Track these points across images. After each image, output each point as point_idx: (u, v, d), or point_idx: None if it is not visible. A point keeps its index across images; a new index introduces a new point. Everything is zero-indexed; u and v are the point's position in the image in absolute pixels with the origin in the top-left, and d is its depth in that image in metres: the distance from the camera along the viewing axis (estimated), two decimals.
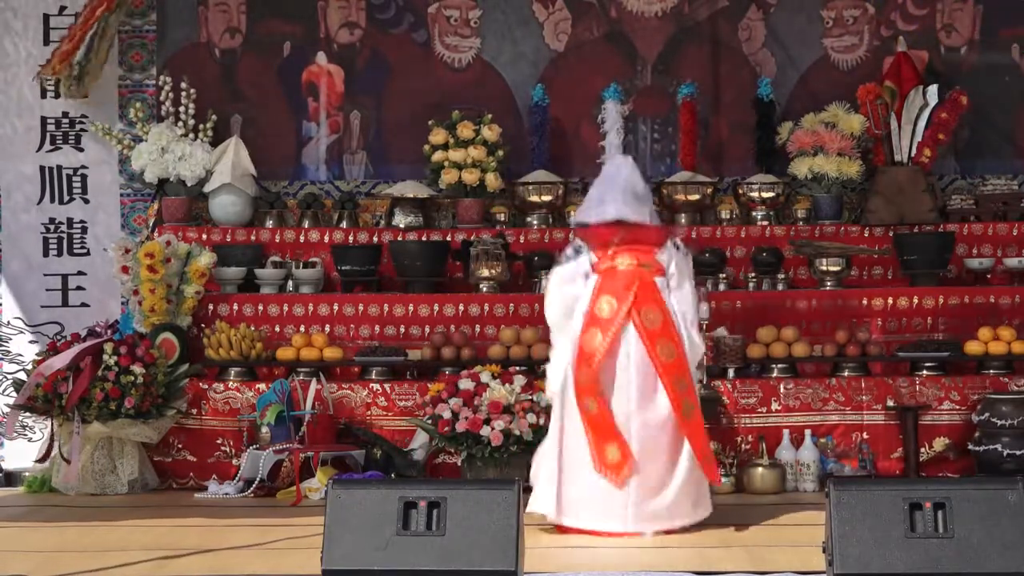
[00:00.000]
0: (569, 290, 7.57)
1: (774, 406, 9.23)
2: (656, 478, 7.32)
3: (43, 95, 10.48)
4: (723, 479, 8.90)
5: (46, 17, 10.51)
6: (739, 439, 9.15)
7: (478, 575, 5.42)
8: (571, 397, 7.44)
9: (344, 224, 10.33)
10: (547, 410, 8.72)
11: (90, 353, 9.03)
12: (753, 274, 9.92)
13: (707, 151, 10.51)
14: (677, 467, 7.38)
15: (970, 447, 8.98)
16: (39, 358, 9.24)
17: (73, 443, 8.91)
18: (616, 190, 7.61)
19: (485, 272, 9.83)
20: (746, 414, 9.19)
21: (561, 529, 7.38)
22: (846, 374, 9.39)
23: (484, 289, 9.84)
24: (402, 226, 10.17)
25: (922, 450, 9.11)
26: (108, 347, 9.04)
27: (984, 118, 10.43)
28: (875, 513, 5.40)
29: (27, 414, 9.47)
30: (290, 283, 10.03)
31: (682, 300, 7.55)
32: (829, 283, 9.80)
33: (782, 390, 9.25)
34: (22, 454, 9.88)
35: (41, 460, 9.24)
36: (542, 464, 7.54)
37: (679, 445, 7.38)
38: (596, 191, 7.75)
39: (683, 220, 10.16)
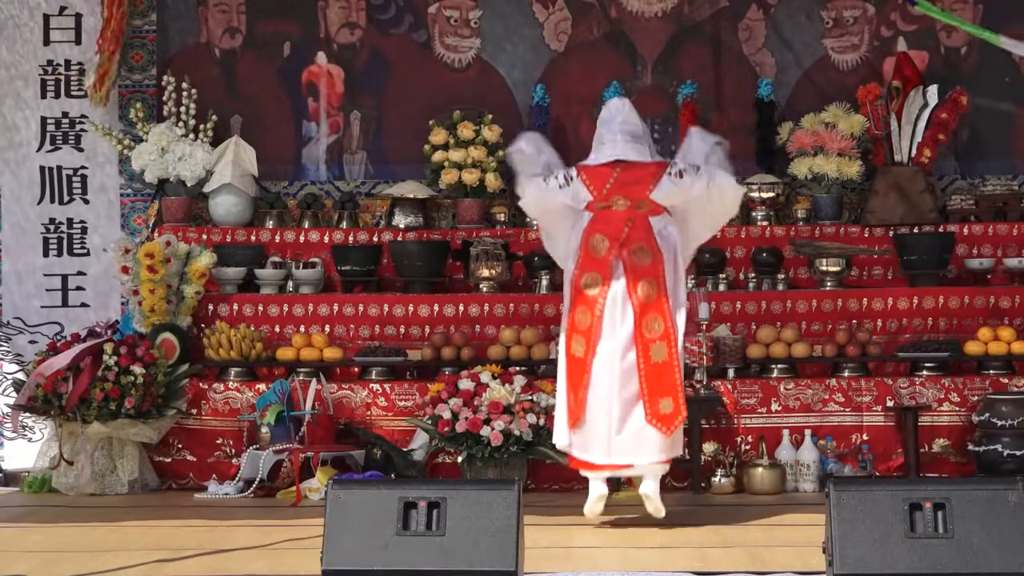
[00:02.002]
0: (548, 207, 7.72)
1: (774, 406, 9.23)
2: (638, 413, 7.40)
3: (43, 95, 10.49)
4: (723, 479, 8.93)
5: (46, 17, 10.51)
6: (739, 439, 9.15)
7: (478, 575, 5.42)
8: (564, 333, 7.61)
9: (344, 224, 10.33)
10: (547, 411, 8.74)
11: (90, 353, 9.03)
12: (753, 274, 9.92)
13: None
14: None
15: (970, 447, 8.98)
16: (39, 358, 9.23)
17: (81, 444, 8.91)
18: (614, 131, 7.69)
19: (485, 272, 9.83)
20: (746, 414, 9.19)
21: (573, 461, 7.60)
22: (846, 374, 9.39)
23: (484, 289, 9.84)
24: (402, 226, 10.17)
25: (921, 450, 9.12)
26: (108, 347, 9.04)
27: (984, 118, 10.43)
28: (875, 513, 5.40)
29: (27, 414, 9.47)
30: (290, 283, 10.03)
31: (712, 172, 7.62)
32: (829, 283, 9.80)
33: (782, 390, 9.25)
34: (22, 454, 9.88)
35: (56, 466, 9.18)
36: (559, 398, 7.70)
37: None
38: (596, 134, 7.85)
39: None
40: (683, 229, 7.66)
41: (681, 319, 7.54)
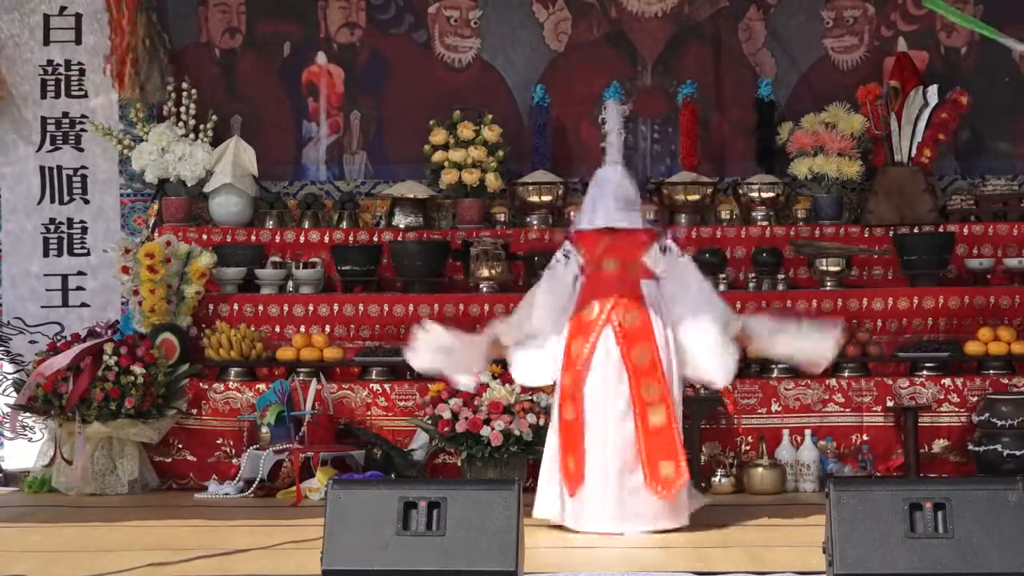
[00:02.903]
0: (553, 296, 7.59)
1: (774, 406, 9.23)
2: (635, 480, 7.32)
3: (43, 95, 10.49)
4: (723, 479, 8.92)
5: (46, 17, 10.51)
6: (739, 439, 9.15)
7: (478, 575, 5.42)
8: (557, 400, 7.53)
9: (344, 224, 10.33)
10: (547, 410, 8.74)
11: (90, 353, 9.03)
12: (753, 274, 9.92)
13: (707, 151, 10.51)
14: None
15: (970, 447, 8.98)
16: (39, 358, 9.23)
17: (77, 444, 8.91)
18: (606, 197, 7.67)
19: (485, 272, 9.83)
20: (746, 414, 9.18)
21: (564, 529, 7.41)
22: (846, 374, 9.39)
23: (484, 289, 9.84)
24: (402, 226, 10.17)
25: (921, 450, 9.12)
26: (108, 347, 9.04)
27: (984, 118, 10.43)
28: (875, 513, 5.40)
29: (27, 414, 9.47)
30: (290, 283, 10.03)
31: (688, 299, 7.50)
32: (829, 283, 9.80)
33: (782, 390, 9.25)
34: (22, 454, 9.88)
35: (49, 464, 9.22)
36: (544, 466, 7.58)
37: None
38: (589, 197, 7.82)
39: (683, 220, 10.17)
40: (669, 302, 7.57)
41: (677, 384, 7.47)
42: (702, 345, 7.50)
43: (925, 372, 9.40)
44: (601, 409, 7.36)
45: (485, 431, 8.71)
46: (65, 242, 10.46)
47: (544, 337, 7.60)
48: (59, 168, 10.49)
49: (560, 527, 7.42)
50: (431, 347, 7.51)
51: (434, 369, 7.67)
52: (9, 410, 9.49)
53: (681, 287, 7.55)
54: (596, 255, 7.57)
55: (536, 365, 7.65)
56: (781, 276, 9.87)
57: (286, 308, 9.84)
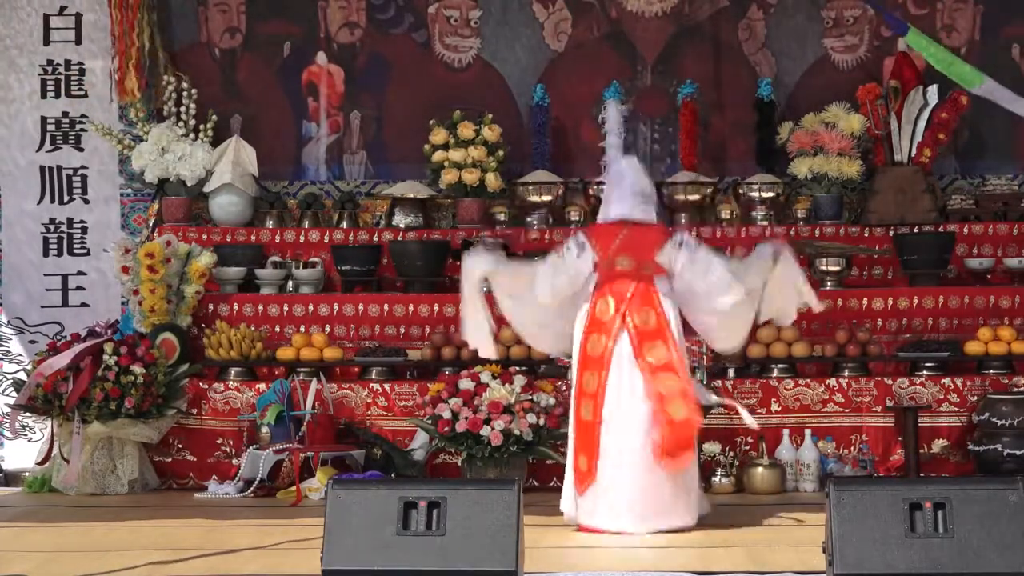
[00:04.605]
0: (561, 282, 7.58)
1: (774, 406, 9.23)
2: (649, 479, 7.32)
3: (43, 95, 10.49)
4: (723, 479, 8.92)
5: (46, 17, 10.51)
6: (739, 439, 9.14)
7: (478, 575, 5.42)
8: (573, 398, 7.53)
9: (344, 224, 10.33)
10: (547, 410, 8.74)
11: (90, 353, 9.03)
12: None
13: (707, 151, 10.51)
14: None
15: (970, 447, 8.99)
16: (39, 358, 9.23)
17: (73, 443, 8.91)
18: (623, 191, 7.64)
19: None
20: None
21: (581, 528, 7.41)
22: (846, 374, 9.39)
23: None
24: (402, 226, 10.17)
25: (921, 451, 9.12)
26: (108, 347, 9.04)
27: (984, 118, 10.43)
28: (875, 513, 5.40)
29: (27, 414, 9.47)
30: (290, 283, 10.03)
31: (712, 284, 7.47)
32: (829, 283, 9.80)
33: (782, 390, 9.25)
34: (22, 454, 9.88)
35: (42, 462, 9.23)
36: (568, 464, 7.60)
37: None
38: (605, 193, 7.82)
39: (683, 220, 10.16)
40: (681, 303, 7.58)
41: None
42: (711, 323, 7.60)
43: (925, 372, 9.40)
44: (619, 409, 7.34)
45: (485, 431, 8.71)
46: (65, 242, 10.46)
47: (544, 312, 7.62)
48: (59, 168, 10.49)
49: (578, 527, 7.43)
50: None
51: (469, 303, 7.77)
52: (9, 410, 9.49)
53: (703, 277, 7.51)
54: (610, 252, 7.54)
55: (490, 338, 7.77)
56: None
57: (286, 308, 9.85)
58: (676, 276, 7.52)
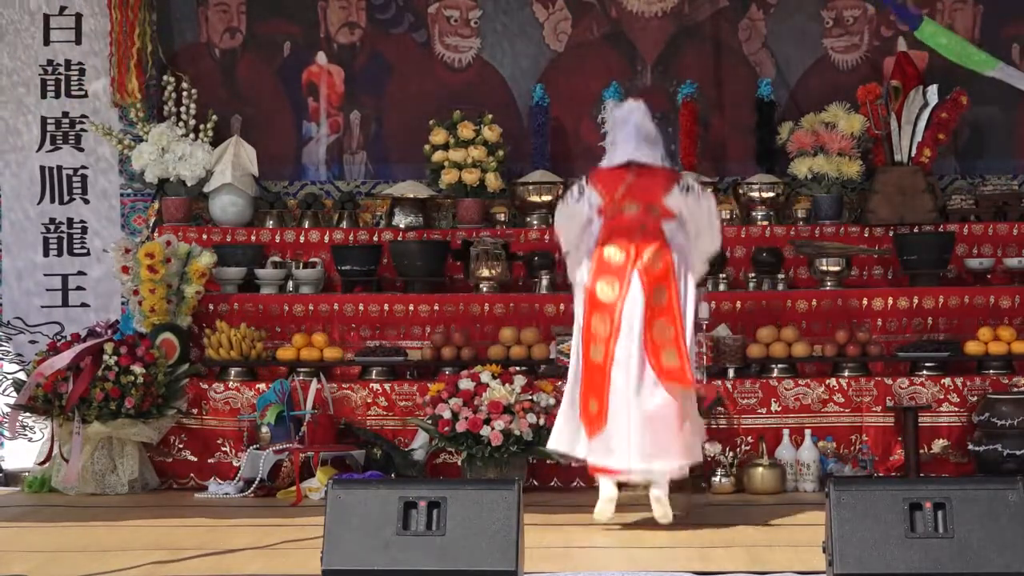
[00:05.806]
0: (575, 224, 7.63)
1: (774, 406, 9.23)
2: (660, 419, 7.34)
3: (43, 95, 10.49)
4: (723, 479, 8.92)
5: (46, 17, 10.51)
6: (739, 439, 9.14)
7: (478, 575, 5.42)
8: (580, 340, 7.52)
9: (344, 224, 10.33)
10: (547, 410, 8.74)
11: (90, 353, 9.03)
12: (753, 274, 9.92)
13: (707, 151, 10.51)
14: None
15: (970, 447, 8.99)
16: (39, 358, 9.23)
17: (73, 443, 8.91)
18: (628, 133, 7.63)
19: (485, 272, 9.83)
20: (746, 414, 9.19)
21: (593, 469, 7.47)
22: (846, 374, 9.39)
23: (484, 289, 9.84)
24: (402, 226, 10.17)
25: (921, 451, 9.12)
26: (108, 347, 9.04)
27: (984, 118, 10.43)
28: (875, 513, 5.40)
29: (27, 414, 9.47)
30: (290, 283, 10.03)
31: (701, 244, 7.58)
32: (829, 283, 9.80)
33: (782, 390, 9.25)
34: (22, 454, 9.88)
35: (43, 462, 9.23)
36: (564, 403, 7.64)
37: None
38: (609, 137, 7.79)
39: None
40: (691, 241, 7.62)
41: (690, 322, 7.49)
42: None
43: (925, 372, 9.40)
44: (628, 353, 7.36)
45: (485, 431, 8.71)
46: (65, 242, 10.46)
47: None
48: (59, 168, 10.49)
49: (590, 468, 7.49)
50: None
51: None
52: (9, 410, 9.49)
53: (706, 227, 7.60)
54: (616, 197, 7.52)
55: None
56: (781, 276, 9.87)
57: (286, 308, 9.84)
58: (685, 220, 7.54)
